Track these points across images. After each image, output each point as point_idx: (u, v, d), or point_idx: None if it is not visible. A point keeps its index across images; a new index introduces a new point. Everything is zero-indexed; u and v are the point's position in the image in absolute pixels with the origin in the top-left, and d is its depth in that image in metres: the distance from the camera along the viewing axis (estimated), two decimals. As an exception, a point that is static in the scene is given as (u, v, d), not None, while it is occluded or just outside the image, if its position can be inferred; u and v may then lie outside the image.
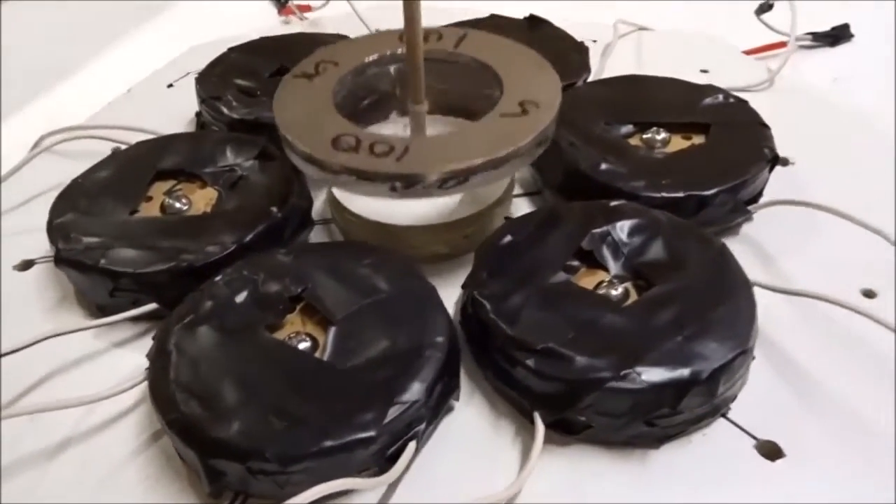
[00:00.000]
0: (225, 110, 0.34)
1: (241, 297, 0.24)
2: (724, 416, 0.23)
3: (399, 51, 0.30)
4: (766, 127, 0.30)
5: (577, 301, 0.23)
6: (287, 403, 0.21)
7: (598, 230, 0.25)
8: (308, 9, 0.52)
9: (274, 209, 0.28)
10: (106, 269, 0.26)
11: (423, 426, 0.21)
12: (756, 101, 0.36)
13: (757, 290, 0.24)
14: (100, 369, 0.25)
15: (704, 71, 0.40)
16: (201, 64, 0.40)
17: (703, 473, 0.21)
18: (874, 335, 0.23)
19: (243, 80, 0.35)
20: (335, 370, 0.22)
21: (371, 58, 0.30)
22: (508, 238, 0.26)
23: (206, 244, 0.26)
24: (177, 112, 0.38)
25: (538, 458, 0.21)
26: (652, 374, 0.21)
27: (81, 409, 0.23)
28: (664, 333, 0.22)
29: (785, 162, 0.33)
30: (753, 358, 0.24)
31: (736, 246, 0.28)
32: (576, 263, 0.25)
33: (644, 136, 0.31)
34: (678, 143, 0.31)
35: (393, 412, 0.20)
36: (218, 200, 0.29)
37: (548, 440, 0.22)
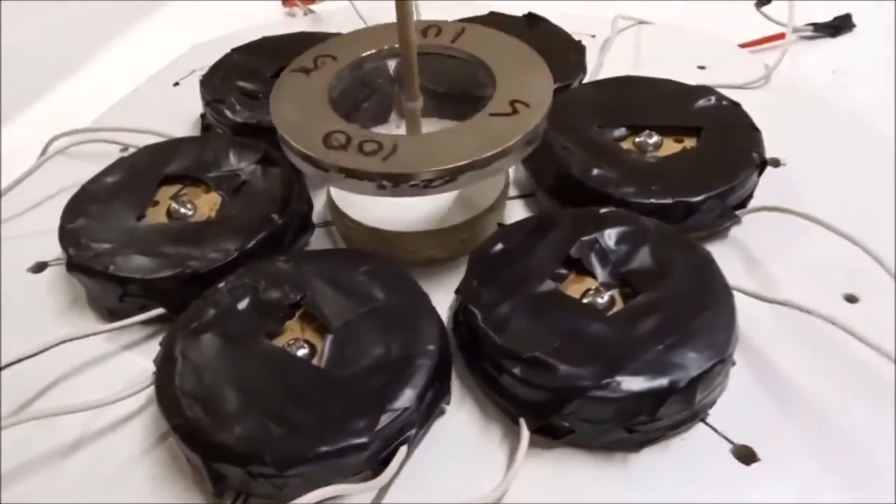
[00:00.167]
0: (228, 114, 0.35)
1: (242, 305, 0.25)
2: (702, 420, 0.24)
3: (397, 45, 0.30)
4: (756, 130, 0.31)
5: (564, 310, 0.24)
6: (285, 410, 0.22)
7: (586, 238, 0.26)
8: (312, 0, 0.52)
9: (275, 216, 0.29)
10: (115, 276, 0.27)
11: (414, 431, 0.22)
12: (752, 99, 0.37)
13: (740, 296, 0.25)
14: (110, 371, 0.27)
15: (702, 67, 0.40)
16: (205, 61, 0.41)
17: (681, 477, 0.22)
18: (852, 341, 0.24)
19: (246, 83, 0.36)
20: (331, 377, 0.23)
21: (368, 52, 0.31)
22: (500, 246, 0.26)
23: (209, 251, 0.27)
24: (182, 112, 0.39)
25: (523, 461, 0.22)
26: (631, 384, 0.22)
27: (92, 410, 0.25)
28: (645, 343, 0.23)
29: (776, 163, 0.33)
30: (734, 363, 0.25)
31: (724, 249, 0.29)
32: (564, 272, 0.26)
33: (637, 140, 0.31)
34: (670, 147, 0.31)
35: (385, 419, 0.21)
36: (221, 205, 0.30)
37: (533, 444, 0.23)
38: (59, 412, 0.23)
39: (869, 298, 0.27)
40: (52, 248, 0.30)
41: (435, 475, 0.23)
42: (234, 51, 0.39)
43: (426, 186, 0.24)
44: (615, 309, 0.25)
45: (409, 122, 0.28)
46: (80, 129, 0.37)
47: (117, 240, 0.28)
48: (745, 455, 0.23)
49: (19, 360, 0.25)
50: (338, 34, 0.40)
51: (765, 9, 0.45)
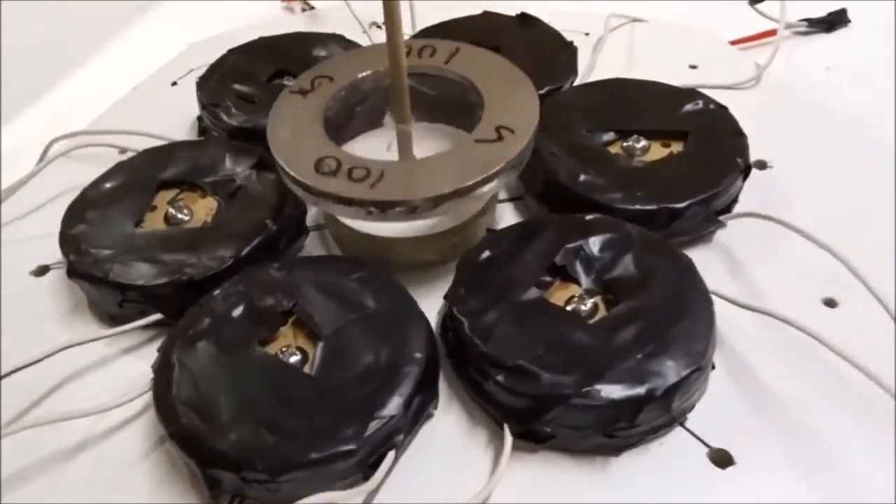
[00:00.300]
0: (224, 117, 0.35)
1: (236, 312, 0.26)
2: (681, 424, 0.24)
3: None
4: (742, 135, 0.31)
5: (548, 318, 0.25)
6: (277, 417, 0.23)
7: (571, 245, 0.27)
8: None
9: (269, 223, 0.29)
10: (114, 283, 0.28)
11: (401, 437, 0.23)
12: (742, 100, 0.37)
13: (721, 302, 0.26)
14: (111, 375, 0.28)
15: (693, 67, 0.41)
16: (203, 60, 0.42)
17: (658, 480, 0.23)
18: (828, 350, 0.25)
19: (242, 86, 0.37)
20: (321, 385, 0.24)
21: (365, 73, 0.32)
22: (487, 253, 0.27)
23: (205, 258, 0.28)
24: (180, 113, 0.40)
25: (507, 465, 0.23)
26: (611, 391, 0.23)
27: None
28: (625, 351, 0.23)
29: (763, 165, 0.34)
30: (713, 368, 0.26)
31: (708, 253, 0.30)
32: (548, 279, 0.26)
33: (624, 144, 0.32)
34: (657, 151, 0.32)
35: (373, 426, 0.22)
36: (217, 211, 0.31)
37: (517, 447, 0.24)
38: (61, 418, 0.24)
39: (848, 303, 0.28)
40: (54, 251, 0.31)
41: (422, 478, 0.24)
42: (230, 52, 0.40)
43: (412, 212, 0.25)
44: (598, 316, 0.26)
45: (401, 145, 0.29)
46: (79, 132, 0.38)
47: (116, 246, 0.29)
48: (722, 459, 0.23)
49: (23, 367, 0.25)
50: (333, 34, 0.41)
51: (760, 5, 0.45)
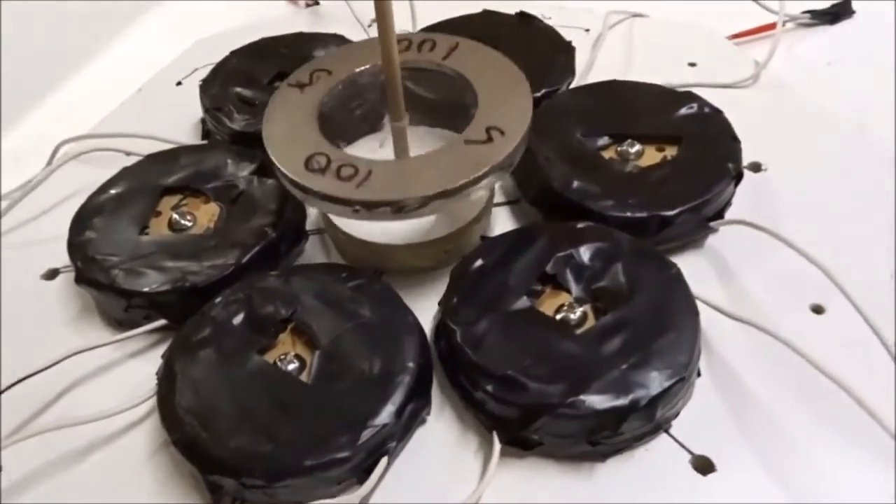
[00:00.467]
0: (226, 121, 0.36)
1: (237, 320, 0.27)
2: (665, 431, 0.25)
3: None
4: (736, 141, 0.32)
5: (537, 327, 0.26)
6: (275, 425, 0.24)
7: (562, 254, 0.28)
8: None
9: (269, 230, 0.30)
10: (120, 289, 0.29)
11: (394, 443, 0.24)
12: (739, 99, 0.38)
13: (708, 309, 0.26)
14: (118, 378, 0.29)
15: (692, 64, 0.41)
16: (208, 58, 0.43)
17: (642, 486, 0.24)
18: (813, 355, 0.25)
19: (243, 89, 0.37)
20: (317, 393, 0.25)
21: (363, 67, 0.32)
22: (480, 262, 0.28)
23: (208, 265, 0.29)
24: (185, 114, 0.40)
25: (496, 470, 0.24)
26: (595, 402, 0.23)
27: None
28: (610, 362, 0.24)
29: (757, 167, 0.34)
30: (699, 375, 0.26)
31: (699, 259, 0.31)
32: (539, 288, 0.27)
33: (619, 149, 0.32)
34: (651, 156, 0.32)
35: (366, 434, 0.23)
36: (219, 216, 0.32)
37: (505, 453, 0.25)
38: (69, 424, 0.26)
39: (834, 310, 0.28)
40: (64, 255, 0.31)
41: (415, 482, 0.25)
42: (232, 54, 0.40)
43: (397, 212, 0.26)
44: (587, 324, 0.26)
45: (396, 142, 0.29)
46: (86, 136, 0.38)
47: (122, 253, 0.30)
48: (704, 465, 0.24)
49: (32, 374, 0.27)
50: (335, 35, 0.42)
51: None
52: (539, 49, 0.38)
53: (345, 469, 0.23)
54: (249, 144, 0.34)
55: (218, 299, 0.28)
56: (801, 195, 0.32)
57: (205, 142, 0.39)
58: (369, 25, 0.46)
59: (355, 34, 0.43)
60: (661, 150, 0.32)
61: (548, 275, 0.27)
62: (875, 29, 0.46)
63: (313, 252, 0.33)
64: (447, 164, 0.26)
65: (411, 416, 0.25)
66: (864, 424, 0.23)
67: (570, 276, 0.27)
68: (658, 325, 0.25)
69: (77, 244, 0.31)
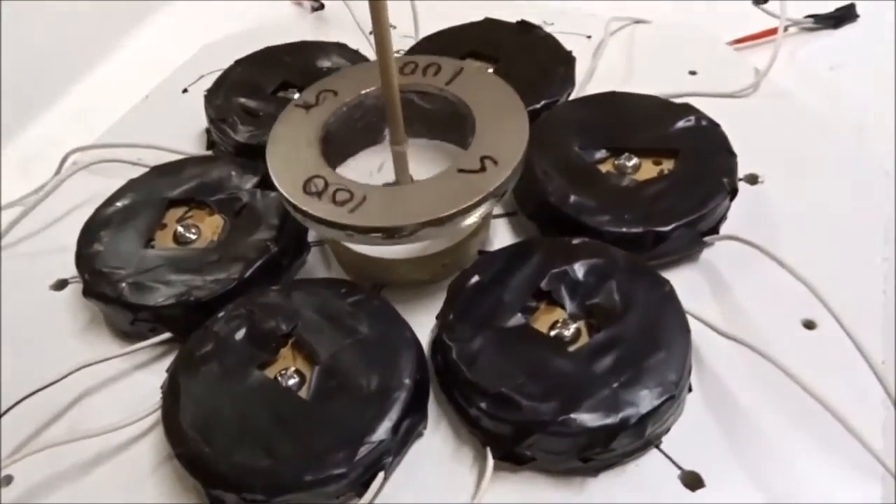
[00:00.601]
0: (230, 133, 0.37)
1: (239, 335, 0.28)
2: (656, 447, 0.26)
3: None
4: (732, 155, 0.32)
5: (531, 345, 0.26)
6: (274, 441, 0.24)
7: (557, 270, 0.28)
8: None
9: (270, 245, 0.31)
10: (126, 303, 0.30)
11: (390, 458, 0.25)
12: (739, 109, 0.38)
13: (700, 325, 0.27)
14: (124, 390, 0.30)
15: (693, 73, 0.41)
16: (214, 65, 0.43)
17: (633, 501, 0.25)
18: (803, 372, 0.26)
19: (247, 100, 0.38)
20: (315, 409, 0.25)
21: (368, 90, 0.32)
22: (476, 278, 0.28)
23: (211, 279, 0.30)
24: (191, 123, 0.41)
25: (489, 484, 0.25)
26: (586, 420, 0.24)
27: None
28: (602, 380, 0.25)
29: (754, 180, 0.34)
30: (690, 390, 0.27)
31: (693, 273, 0.31)
32: (534, 304, 0.28)
33: (616, 162, 0.33)
34: (648, 169, 0.33)
35: (363, 451, 0.24)
36: (223, 229, 0.32)
37: (500, 467, 0.25)
38: (77, 437, 0.26)
39: (827, 325, 0.28)
40: (72, 265, 0.32)
41: (411, 495, 0.25)
42: (236, 63, 0.41)
43: (389, 237, 0.26)
44: (581, 340, 0.27)
45: (397, 165, 0.30)
46: (94, 146, 0.39)
47: (128, 266, 0.31)
48: (693, 481, 0.25)
49: (42, 388, 0.27)
50: (337, 43, 0.42)
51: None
52: (539, 59, 0.39)
53: (342, 484, 0.24)
54: (253, 156, 0.35)
55: (221, 314, 0.28)
56: (798, 208, 0.33)
57: (209, 152, 0.39)
58: (370, 33, 0.46)
59: (357, 41, 0.43)
60: (657, 163, 0.33)
61: (543, 291, 0.28)
62: (879, 33, 0.46)
63: (315, 263, 0.34)
64: (439, 193, 0.27)
65: (407, 432, 0.26)
66: (853, 442, 0.24)
67: (564, 293, 0.28)
68: (649, 342, 0.26)
69: (85, 257, 0.31)
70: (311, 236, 0.34)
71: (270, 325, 0.28)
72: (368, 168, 0.34)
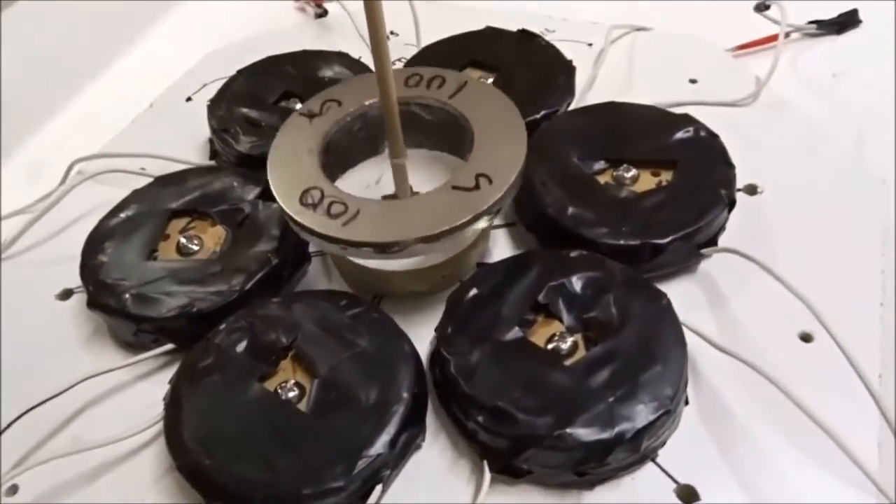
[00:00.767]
0: (233, 143, 0.37)
1: (240, 347, 0.28)
2: (652, 460, 0.26)
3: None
4: (730, 166, 0.32)
5: (528, 359, 0.26)
6: (274, 454, 0.25)
7: (554, 283, 0.28)
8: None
9: (271, 256, 0.31)
10: (129, 314, 0.30)
11: (388, 471, 0.25)
12: (739, 118, 0.38)
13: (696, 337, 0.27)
14: (128, 399, 0.30)
15: (693, 81, 0.41)
16: (217, 72, 0.44)
17: (628, 514, 0.25)
18: (799, 385, 0.26)
19: (249, 110, 0.38)
20: (314, 422, 0.26)
21: (371, 101, 0.33)
22: (474, 291, 0.29)
23: (213, 291, 0.30)
24: (194, 132, 0.41)
25: (487, 496, 0.25)
26: (581, 434, 0.24)
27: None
28: (598, 394, 0.25)
29: (752, 190, 0.34)
30: (687, 403, 0.27)
31: (690, 284, 0.31)
32: (532, 317, 0.28)
33: (615, 174, 0.33)
34: (647, 180, 0.33)
35: (361, 464, 0.24)
36: (225, 240, 0.33)
37: (497, 480, 0.26)
38: (81, 449, 0.27)
39: (823, 337, 0.28)
40: (77, 275, 0.33)
41: (409, 506, 0.26)
42: (239, 73, 0.41)
43: (380, 252, 0.27)
44: (578, 354, 0.27)
45: (396, 178, 0.30)
46: (99, 155, 0.40)
47: (132, 278, 0.31)
48: (688, 495, 0.25)
49: (47, 400, 0.28)
50: (338, 53, 0.42)
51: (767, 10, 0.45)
52: (540, 68, 0.39)
53: (341, 497, 0.24)
54: (255, 167, 0.35)
55: (222, 326, 0.29)
56: (796, 219, 0.33)
57: (212, 162, 0.40)
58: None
59: (360, 49, 0.43)
60: (656, 174, 0.33)
61: (540, 304, 0.28)
62: (882, 39, 0.46)
63: (316, 274, 0.34)
64: (433, 209, 0.27)
65: (405, 445, 0.26)
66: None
67: (562, 306, 0.28)
68: (646, 356, 0.26)
69: (89, 268, 0.32)
70: (313, 247, 0.34)
71: (271, 337, 0.28)
72: (369, 179, 0.34)
